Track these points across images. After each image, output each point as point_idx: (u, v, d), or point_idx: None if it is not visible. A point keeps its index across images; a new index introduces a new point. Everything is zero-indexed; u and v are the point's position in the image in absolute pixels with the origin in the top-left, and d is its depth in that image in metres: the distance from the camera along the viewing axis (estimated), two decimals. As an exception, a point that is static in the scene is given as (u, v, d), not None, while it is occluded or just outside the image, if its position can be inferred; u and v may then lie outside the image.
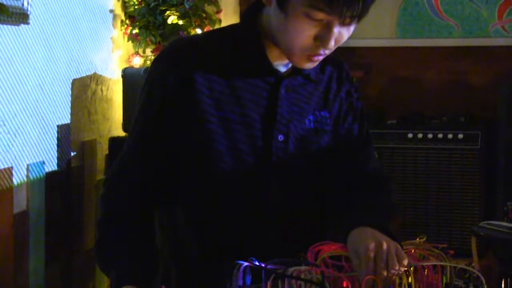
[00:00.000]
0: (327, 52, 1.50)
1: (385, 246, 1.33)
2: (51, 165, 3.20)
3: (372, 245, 1.33)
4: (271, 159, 1.57)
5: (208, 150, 1.54)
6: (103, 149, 3.65)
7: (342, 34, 1.47)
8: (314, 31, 1.45)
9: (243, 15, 1.62)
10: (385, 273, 1.30)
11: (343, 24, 1.45)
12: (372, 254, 1.32)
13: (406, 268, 1.32)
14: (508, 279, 2.51)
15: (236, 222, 1.58)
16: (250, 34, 1.57)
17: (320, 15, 1.42)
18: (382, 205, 1.58)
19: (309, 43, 1.47)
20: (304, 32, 1.45)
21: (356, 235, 1.39)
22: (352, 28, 1.48)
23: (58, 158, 3.25)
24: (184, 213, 1.62)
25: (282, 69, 1.59)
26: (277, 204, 1.59)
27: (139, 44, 3.71)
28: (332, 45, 1.47)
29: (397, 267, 1.30)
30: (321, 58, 1.52)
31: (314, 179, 1.63)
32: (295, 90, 1.61)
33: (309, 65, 1.54)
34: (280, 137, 1.58)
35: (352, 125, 1.69)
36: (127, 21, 3.77)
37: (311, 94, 1.63)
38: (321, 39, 1.46)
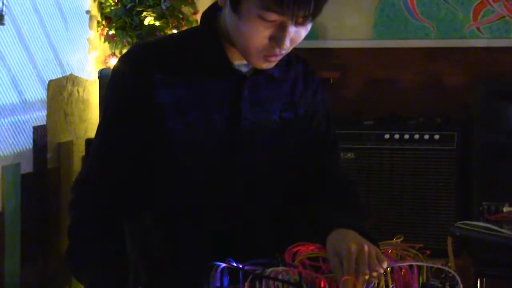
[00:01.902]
0: (284, 52, 1.50)
1: (366, 248, 1.34)
2: (27, 167, 3.18)
3: (354, 247, 1.34)
4: (236, 161, 1.57)
5: (171, 153, 1.54)
6: (79, 150, 3.63)
7: (298, 33, 1.47)
8: (268, 32, 1.45)
9: (202, 16, 1.61)
10: (366, 276, 1.31)
11: (297, 23, 1.44)
12: (354, 256, 1.33)
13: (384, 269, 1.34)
14: (484, 279, 2.53)
15: (204, 222, 1.58)
16: (209, 35, 1.56)
17: (273, 16, 1.42)
18: (356, 206, 1.59)
19: (264, 43, 1.46)
20: (258, 33, 1.45)
21: (337, 236, 1.40)
22: (308, 26, 1.48)
23: (34, 160, 3.23)
24: (152, 215, 1.61)
25: (244, 69, 1.58)
26: (244, 205, 1.59)
27: (115, 45, 3.69)
28: (287, 44, 1.47)
29: (377, 269, 1.32)
30: (278, 58, 1.52)
31: (280, 180, 1.63)
32: (259, 90, 1.60)
33: (266, 65, 1.53)
34: (245, 138, 1.57)
35: (319, 126, 1.69)
36: (104, 22, 3.75)
37: (275, 93, 1.62)
38: (276, 39, 1.45)
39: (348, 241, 1.36)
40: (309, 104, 1.67)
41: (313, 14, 1.43)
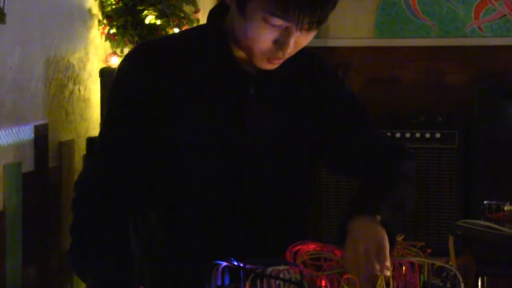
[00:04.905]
0: (287, 56, 1.49)
1: (361, 248, 1.35)
2: (28, 166, 3.18)
3: (350, 248, 1.36)
4: (243, 160, 1.56)
5: (177, 153, 1.53)
6: (80, 149, 3.63)
7: (303, 37, 1.46)
8: (273, 36, 1.44)
9: (209, 15, 1.60)
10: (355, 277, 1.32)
11: (302, 30, 1.43)
12: (349, 256, 1.35)
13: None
14: (485, 277, 2.53)
15: (208, 221, 1.57)
16: (216, 34, 1.55)
17: (278, 22, 1.41)
18: (389, 183, 1.57)
19: (269, 46, 1.46)
20: (263, 36, 1.44)
21: (348, 236, 1.41)
22: (314, 32, 1.46)
23: (35, 159, 3.23)
24: (157, 213, 1.61)
25: (250, 68, 1.56)
26: (250, 204, 1.58)
27: (116, 43, 3.69)
28: (291, 49, 1.46)
29: (366, 271, 1.32)
30: (281, 61, 1.51)
31: (286, 178, 1.62)
32: (265, 89, 1.58)
33: (269, 67, 1.52)
34: (251, 138, 1.56)
35: (343, 110, 1.66)
36: (105, 21, 3.75)
37: (282, 92, 1.61)
38: (280, 43, 1.45)
39: (350, 240, 1.38)
40: (320, 96, 1.64)
41: (318, 21, 1.42)
